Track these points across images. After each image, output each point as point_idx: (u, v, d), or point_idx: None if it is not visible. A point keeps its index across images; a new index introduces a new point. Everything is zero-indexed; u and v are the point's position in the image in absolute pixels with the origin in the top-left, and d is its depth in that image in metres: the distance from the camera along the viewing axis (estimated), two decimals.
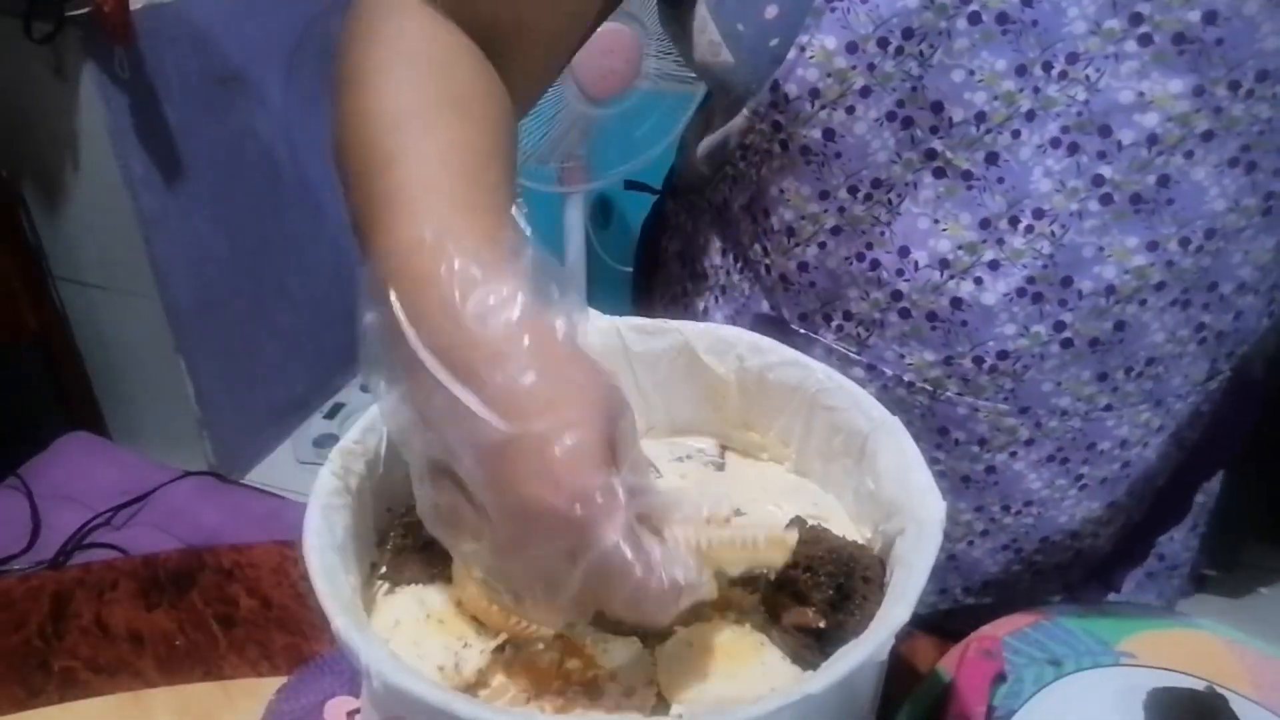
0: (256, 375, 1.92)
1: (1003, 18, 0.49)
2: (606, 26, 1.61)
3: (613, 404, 0.36)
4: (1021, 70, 0.50)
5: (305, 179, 1.92)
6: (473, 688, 0.40)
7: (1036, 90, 0.50)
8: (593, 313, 0.52)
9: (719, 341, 0.51)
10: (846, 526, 0.48)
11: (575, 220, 1.75)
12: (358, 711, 0.55)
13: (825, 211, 0.56)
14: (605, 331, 0.52)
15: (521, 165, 1.59)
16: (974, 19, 0.49)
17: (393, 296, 0.37)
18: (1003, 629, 0.56)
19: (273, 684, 0.59)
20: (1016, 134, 0.51)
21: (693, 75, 1.66)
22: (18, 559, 1.30)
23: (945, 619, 0.66)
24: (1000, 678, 0.51)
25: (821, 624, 0.40)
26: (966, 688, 0.50)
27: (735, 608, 0.43)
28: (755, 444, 0.53)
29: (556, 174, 1.65)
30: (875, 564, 0.44)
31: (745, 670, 0.40)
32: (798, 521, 0.46)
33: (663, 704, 0.39)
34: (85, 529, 1.35)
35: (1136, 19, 0.48)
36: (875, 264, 0.56)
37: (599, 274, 1.89)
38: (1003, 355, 0.55)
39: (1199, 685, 0.50)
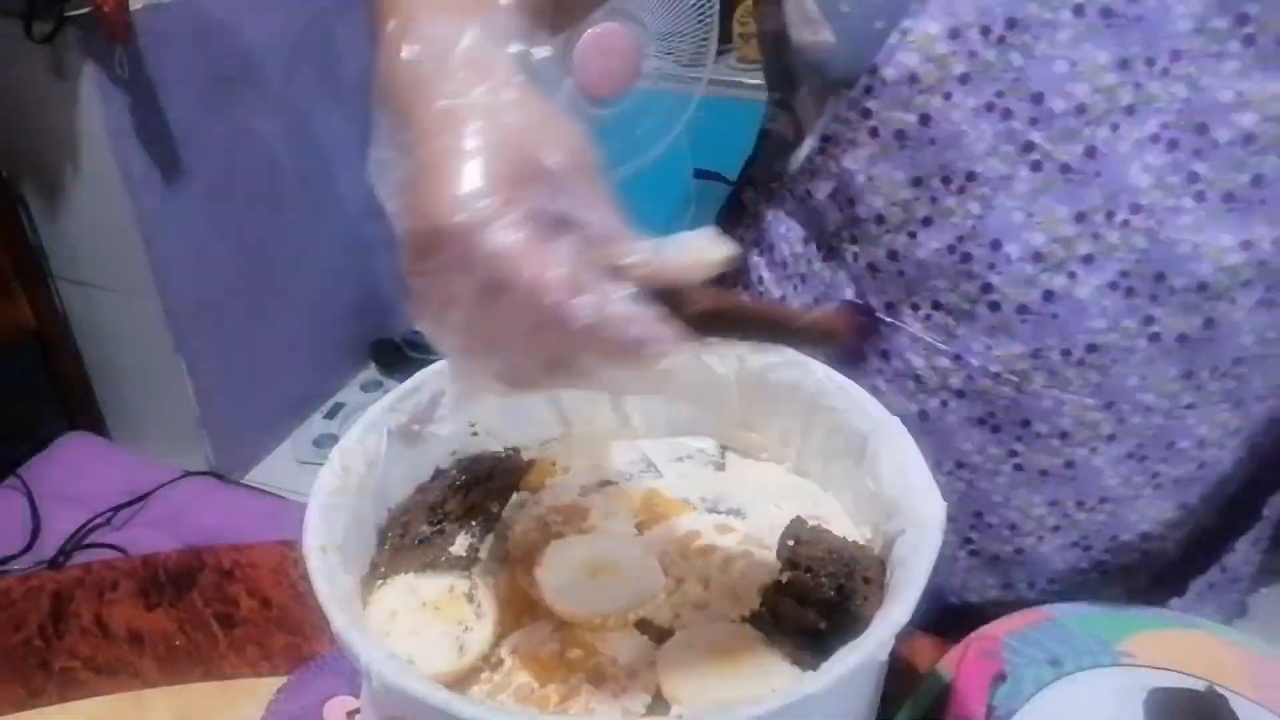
0: (256, 375, 1.91)
1: (1107, 12, 0.49)
2: (606, 26, 1.61)
3: (529, 132, 0.36)
4: (1124, 65, 0.50)
5: (305, 179, 1.92)
6: (477, 672, 0.41)
7: (1138, 85, 0.50)
8: None
9: (719, 341, 0.51)
10: (846, 527, 0.48)
11: None
12: (358, 711, 0.55)
13: (917, 200, 0.56)
14: None
15: None
16: (1079, 11, 0.49)
17: (403, 52, 0.38)
18: (1003, 629, 0.56)
19: (273, 684, 0.59)
20: (1115, 128, 0.51)
21: (693, 75, 1.67)
22: (18, 559, 1.30)
23: (945, 619, 0.66)
24: (1000, 678, 0.51)
25: (821, 624, 0.40)
26: (966, 688, 0.50)
27: (739, 603, 0.43)
28: (755, 444, 0.53)
29: None
30: (875, 564, 0.44)
31: (745, 670, 0.40)
32: (798, 521, 0.46)
33: (662, 704, 0.39)
34: (85, 529, 1.35)
35: (1243, 19, 0.48)
36: (967, 256, 0.56)
37: None
38: (1091, 348, 0.55)
39: (1199, 685, 0.50)
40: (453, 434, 0.51)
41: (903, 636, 0.36)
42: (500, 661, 0.41)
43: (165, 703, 0.59)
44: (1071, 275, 0.54)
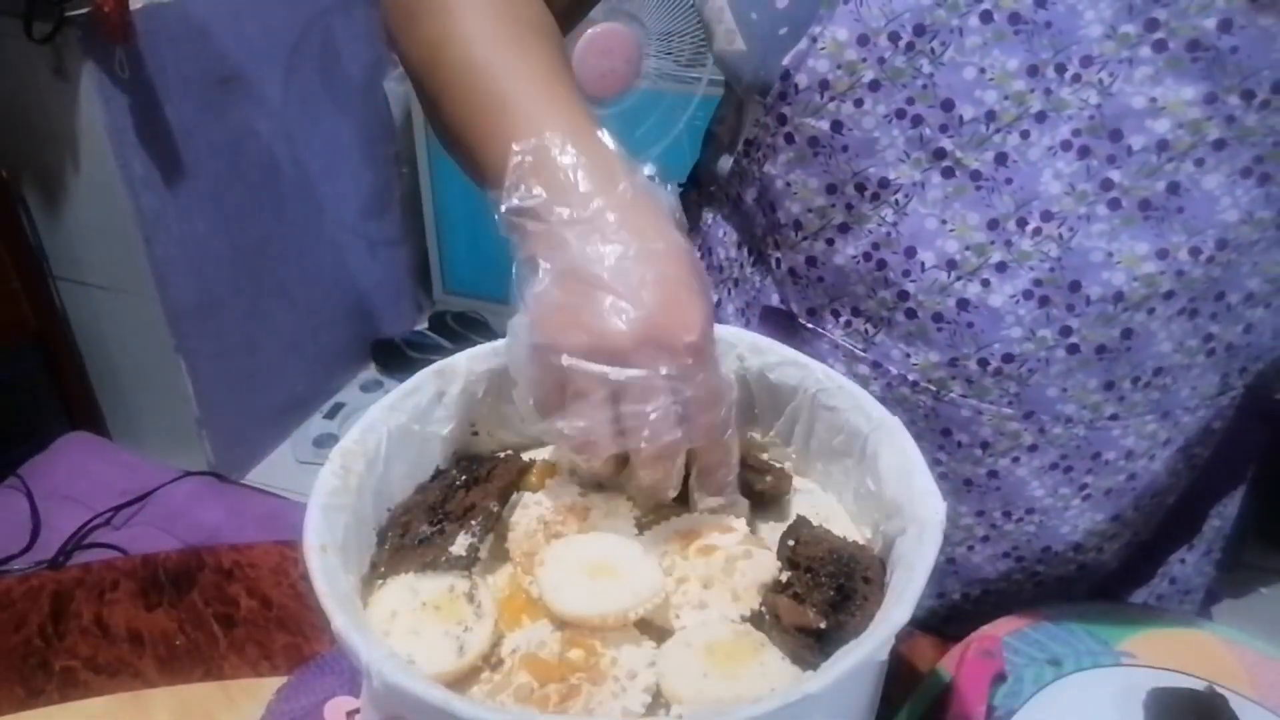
0: (256, 375, 1.91)
1: (1015, 17, 0.49)
2: (606, 26, 1.61)
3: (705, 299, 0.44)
4: (1033, 71, 0.49)
5: (305, 179, 1.92)
6: (477, 672, 0.40)
7: (1048, 91, 0.50)
8: None
9: (719, 341, 0.51)
10: (847, 527, 0.48)
11: None
12: (358, 711, 0.55)
13: (833, 206, 0.56)
14: None
15: None
16: (985, 17, 0.49)
17: (535, 189, 0.44)
18: (1003, 629, 0.56)
19: (273, 684, 0.59)
20: (1026, 135, 0.51)
21: (693, 75, 1.67)
22: (18, 559, 1.30)
23: (945, 619, 0.66)
24: (1000, 678, 0.51)
25: (821, 624, 0.40)
26: (966, 688, 0.50)
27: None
28: (755, 444, 0.53)
29: None
30: (875, 564, 0.44)
31: (745, 670, 0.40)
32: (798, 521, 0.46)
33: (663, 704, 0.39)
34: (85, 529, 1.35)
35: (1152, 24, 0.48)
36: (882, 263, 0.56)
37: None
38: (1008, 358, 0.55)
39: (1199, 685, 0.50)
40: (452, 434, 0.51)
41: (903, 636, 0.36)
42: (500, 661, 0.41)
43: (165, 703, 0.59)
44: (985, 283, 0.54)
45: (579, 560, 0.43)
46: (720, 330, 0.51)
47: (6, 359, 1.58)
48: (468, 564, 0.44)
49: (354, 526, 0.43)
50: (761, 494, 0.49)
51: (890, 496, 0.44)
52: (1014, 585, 0.65)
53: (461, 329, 2.24)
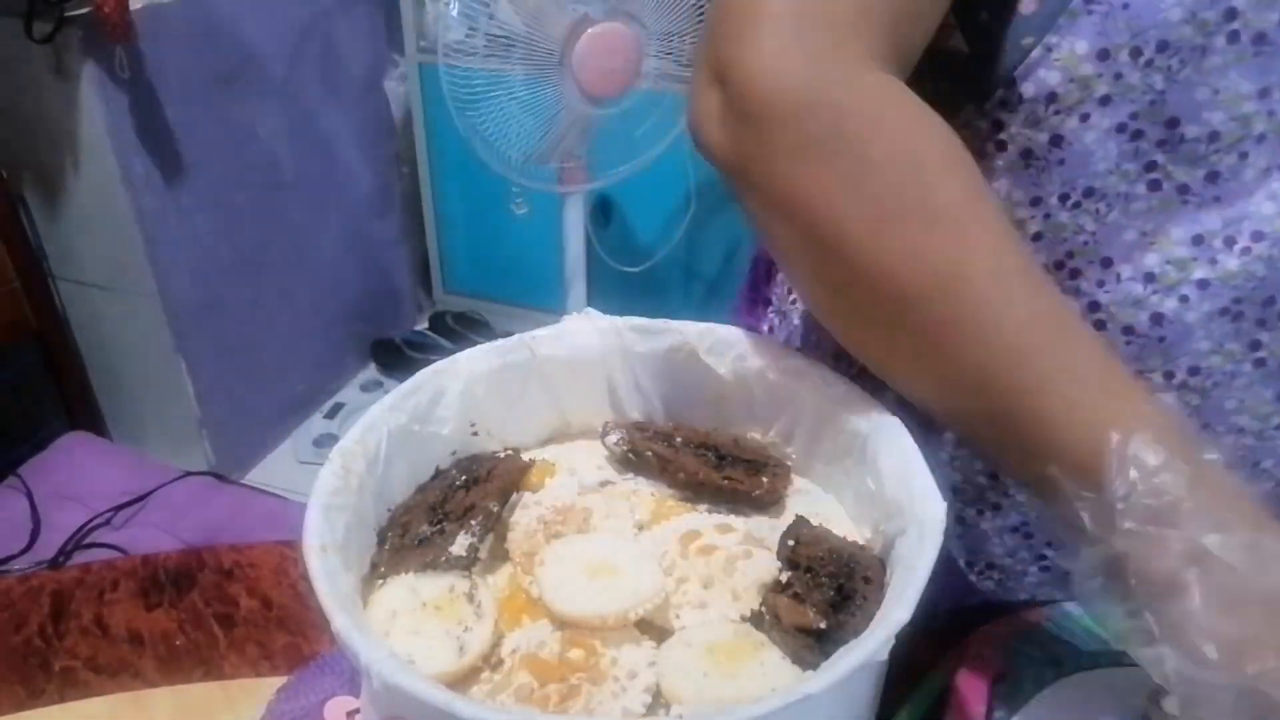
0: (256, 375, 1.92)
1: (1260, 38, 0.47)
2: (606, 26, 1.61)
3: None
4: (1265, 94, 0.48)
5: (305, 179, 1.92)
6: (477, 672, 0.40)
7: (1272, 113, 0.48)
8: (593, 312, 0.52)
9: (719, 341, 0.51)
10: (847, 527, 0.48)
11: (575, 220, 1.75)
12: (358, 711, 0.55)
13: (1032, 218, 0.54)
14: (605, 331, 0.52)
15: (521, 165, 1.59)
16: (1232, 37, 0.47)
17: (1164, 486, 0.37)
18: (1003, 629, 0.56)
19: (273, 684, 0.59)
20: (1244, 155, 0.49)
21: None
22: (18, 559, 1.30)
23: (945, 619, 0.66)
24: (1000, 678, 0.51)
25: (821, 624, 0.40)
26: (966, 688, 0.50)
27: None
28: (755, 443, 0.53)
29: (556, 174, 1.65)
30: (875, 564, 0.44)
31: (745, 670, 0.40)
32: (798, 521, 0.46)
33: (663, 704, 0.39)
34: (85, 529, 1.35)
35: None
36: (1075, 273, 0.54)
37: (599, 274, 1.89)
38: (1194, 371, 0.54)
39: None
40: (453, 434, 0.51)
41: (903, 636, 0.36)
42: (500, 661, 0.41)
43: (165, 703, 0.59)
44: (1184, 299, 0.52)
45: (579, 560, 0.43)
46: (720, 330, 0.51)
47: (6, 359, 1.58)
48: (468, 564, 0.44)
49: (354, 526, 0.43)
50: (760, 499, 0.49)
51: (890, 497, 0.44)
52: None
53: (461, 329, 2.24)
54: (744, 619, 0.42)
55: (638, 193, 1.97)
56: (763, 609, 0.43)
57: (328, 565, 0.39)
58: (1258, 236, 0.50)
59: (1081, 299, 0.54)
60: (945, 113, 0.50)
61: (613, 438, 0.51)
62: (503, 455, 0.51)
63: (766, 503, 0.49)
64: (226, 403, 1.84)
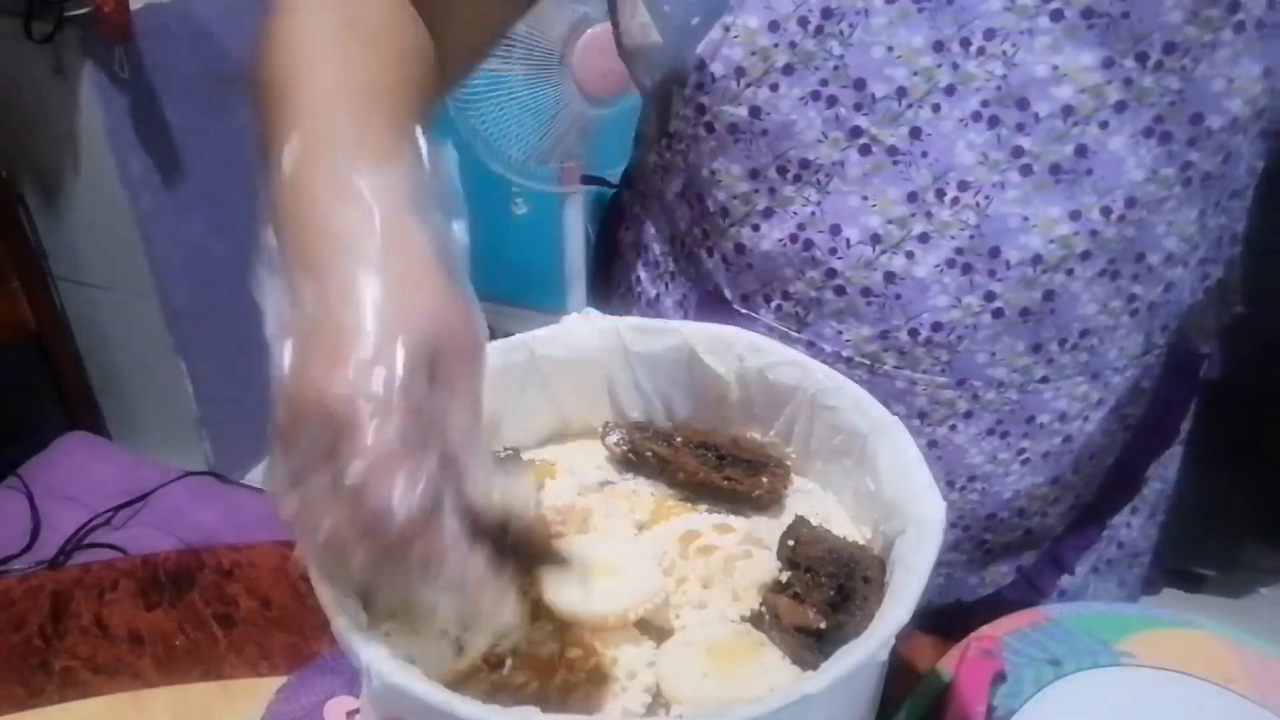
0: (256, 375, 1.89)
1: None
2: (606, 26, 1.60)
3: (444, 333, 0.35)
4: (939, 46, 0.51)
5: None
6: (477, 671, 0.40)
7: (955, 65, 0.51)
8: (593, 313, 0.52)
9: (719, 341, 0.51)
10: (846, 526, 0.48)
11: (575, 220, 1.75)
12: (358, 711, 0.55)
13: (756, 192, 0.57)
14: (605, 331, 0.52)
15: (521, 165, 1.59)
16: None
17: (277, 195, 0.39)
18: (1003, 629, 0.56)
19: (273, 684, 0.59)
20: (937, 108, 0.52)
21: None
22: (18, 559, 1.30)
23: (945, 619, 0.66)
24: (1000, 678, 0.51)
25: (821, 624, 0.40)
26: (966, 688, 0.50)
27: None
28: (755, 442, 0.53)
29: (556, 174, 1.65)
30: (875, 564, 0.44)
31: (745, 670, 0.40)
32: (798, 521, 0.46)
33: (663, 704, 0.39)
34: (85, 529, 1.35)
35: None
36: (809, 244, 0.57)
37: None
38: (937, 327, 0.57)
39: (1194, 683, 0.50)
40: None
41: (903, 636, 0.36)
42: (500, 662, 0.41)
43: (165, 703, 0.59)
44: (909, 255, 0.55)
45: (579, 560, 0.43)
46: (720, 330, 0.51)
47: (6, 359, 1.58)
48: None
49: None
50: (759, 499, 0.49)
51: (889, 496, 0.44)
52: (964, 554, 0.67)
53: None
54: (744, 619, 0.42)
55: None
56: (763, 609, 0.43)
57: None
58: (963, 186, 0.53)
59: (819, 268, 0.57)
60: (659, 105, 0.61)
61: (612, 438, 0.51)
62: (503, 454, 0.51)
63: (766, 503, 0.49)
64: (226, 403, 1.84)
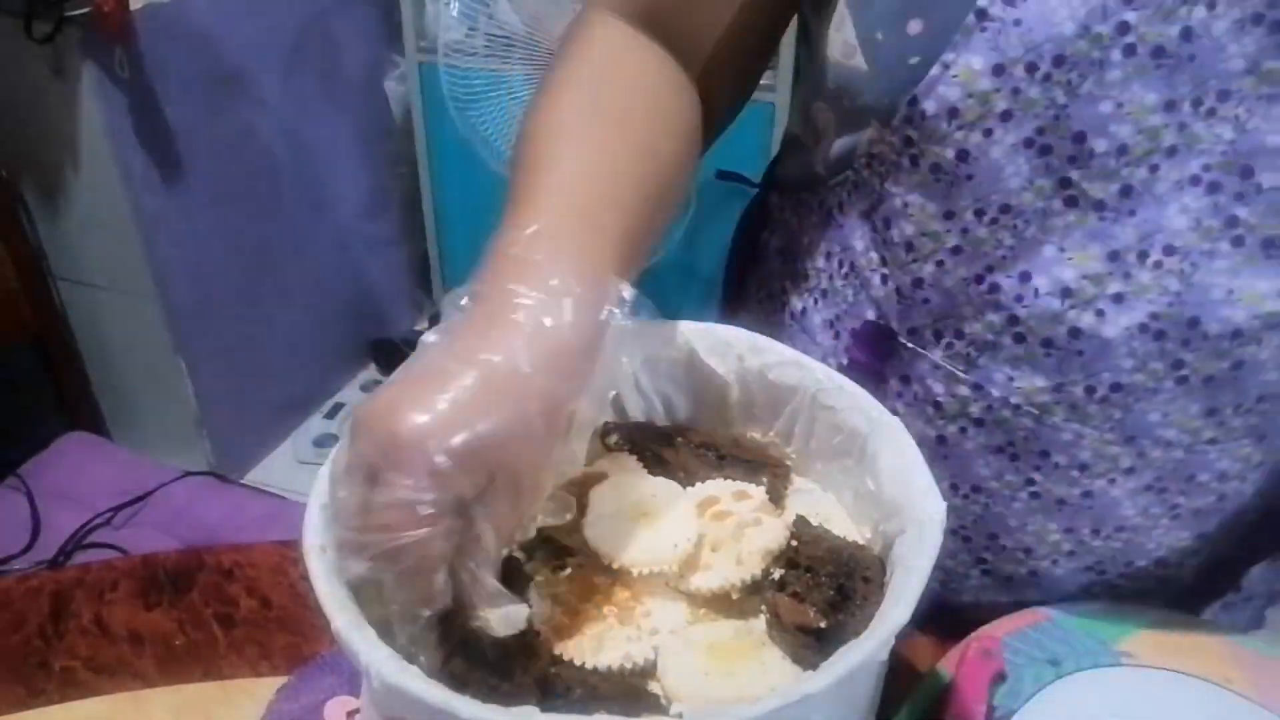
0: (256, 375, 1.92)
1: (1159, 51, 0.47)
2: None
3: (521, 452, 0.39)
4: (1171, 106, 0.48)
5: (305, 179, 1.92)
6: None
7: (1182, 126, 0.48)
8: None
9: (719, 341, 0.51)
10: (846, 526, 0.48)
11: None
12: (358, 711, 0.55)
13: (948, 231, 0.55)
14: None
15: None
16: (1129, 51, 0.47)
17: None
18: (1003, 629, 0.56)
19: (273, 684, 0.59)
20: (1155, 169, 0.50)
21: None
22: (18, 559, 1.30)
23: (945, 619, 0.66)
24: (1000, 678, 0.51)
25: (821, 624, 0.40)
26: (966, 688, 0.50)
27: (736, 609, 0.43)
28: (755, 441, 0.53)
29: None
30: (875, 564, 0.44)
31: (745, 670, 0.40)
32: (798, 521, 0.46)
33: (662, 704, 0.39)
34: (85, 529, 1.35)
35: None
36: (994, 287, 0.54)
37: None
38: (1116, 388, 0.54)
39: (1197, 682, 0.50)
40: None
41: (903, 636, 0.36)
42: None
43: (165, 703, 0.59)
44: (1100, 314, 0.53)
45: (625, 502, 0.45)
46: (720, 330, 0.51)
47: (6, 359, 1.58)
48: None
49: None
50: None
51: (890, 496, 0.44)
52: (1092, 597, 0.65)
53: None
54: (744, 584, 0.42)
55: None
56: (763, 609, 0.43)
57: (327, 565, 0.39)
58: (1169, 250, 0.51)
59: (1001, 313, 0.55)
60: (841, 122, 0.60)
61: (612, 438, 0.51)
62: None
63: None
64: (226, 403, 1.84)
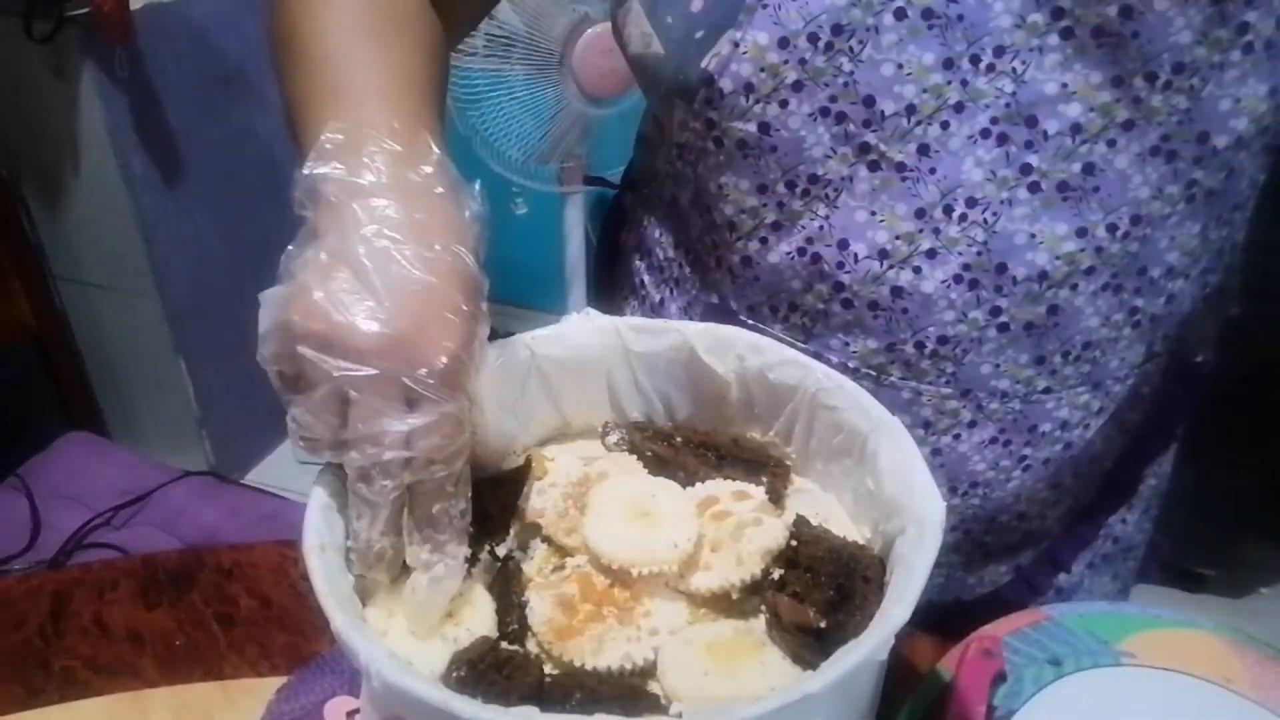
0: (256, 375, 1.89)
1: (928, 13, 0.50)
2: (606, 26, 1.60)
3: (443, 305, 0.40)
4: (949, 63, 0.51)
5: None
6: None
7: (964, 83, 0.52)
8: (593, 312, 0.52)
9: (719, 341, 0.51)
10: (846, 526, 0.48)
11: (575, 220, 1.75)
12: (358, 711, 0.55)
13: (764, 206, 0.58)
14: (605, 331, 0.52)
15: (521, 165, 1.59)
16: (899, 14, 0.51)
17: (335, 165, 0.44)
18: (1003, 629, 0.56)
19: (273, 684, 0.59)
20: (946, 125, 0.53)
21: None
22: (18, 559, 1.30)
23: (945, 619, 0.67)
24: (1000, 678, 0.51)
25: (821, 624, 0.40)
26: (966, 688, 0.50)
27: (736, 609, 0.43)
28: (755, 441, 0.53)
29: (556, 174, 1.65)
30: (875, 564, 0.44)
31: (745, 670, 0.40)
32: (798, 521, 0.46)
33: (662, 704, 0.39)
34: (85, 529, 1.35)
35: (1059, 13, 0.50)
36: (816, 257, 0.58)
37: None
38: (943, 340, 0.57)
39: (1198, 682, 0.51)
40: None
41: (903, 636, 0.36)
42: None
43: (165, 703, 0.59)
44: (917, 270, 0.56)
45: (625, 501, 0.45)
46: (720, 330, 0.51)
47: (6, 359, 1.58)
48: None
49: None
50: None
51: (890, 496, 0.44)
52: (963, 555, 0.68)
53: None
54: (744, 583, 0.42)
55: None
56: (763, 609, 0.43)
57: (327, 565, 0.39)
58: (971, 203, 0.54)
59: (826, 281, 0.58)
60: (665, 113, 0.61)
61: (612, 438, 0.51)
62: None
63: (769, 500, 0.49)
64: (226, 403, 1.84)
